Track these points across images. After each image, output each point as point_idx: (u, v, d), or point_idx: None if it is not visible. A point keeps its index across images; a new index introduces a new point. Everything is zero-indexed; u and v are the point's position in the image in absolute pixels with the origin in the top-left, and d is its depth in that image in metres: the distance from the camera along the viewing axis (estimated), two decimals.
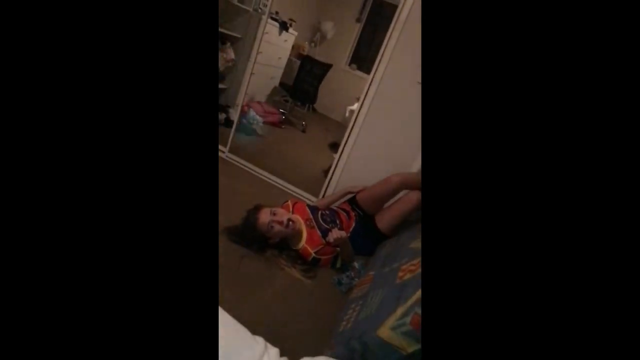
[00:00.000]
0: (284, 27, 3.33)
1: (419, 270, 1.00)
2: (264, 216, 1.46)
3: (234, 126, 2.38)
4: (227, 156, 2.35)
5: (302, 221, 1.56)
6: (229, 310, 0.92)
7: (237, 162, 2.33)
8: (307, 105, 4.24)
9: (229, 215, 1.57)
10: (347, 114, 3.31)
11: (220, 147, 2.36)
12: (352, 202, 1.74)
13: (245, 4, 2.91)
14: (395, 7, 1.76)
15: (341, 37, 4.38)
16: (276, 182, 2.24)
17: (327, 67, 3.62)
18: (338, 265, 1.54)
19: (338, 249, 1.51)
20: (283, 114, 3.65)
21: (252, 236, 1.45)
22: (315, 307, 1.28)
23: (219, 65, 2.86)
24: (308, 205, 1.69)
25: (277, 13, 3.23)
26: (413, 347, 0.83)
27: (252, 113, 2.99)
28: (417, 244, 1.23)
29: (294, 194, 2.19)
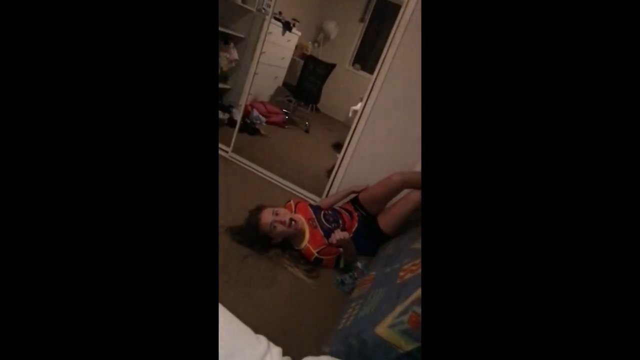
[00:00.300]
0: (287, 27, 3.33)
1: (420, 270, 1.00)
2: (266, 216, 1.47)
3: (237, 126, 2.39)
4: (230, 156, 2.36)
5: (304, 221, 1.56)
6: (232, 310, 0.93)
7: (241, 162, 2.34)
8: (310, 105, 4.24)
9: (232, 215, 1.58)
10: (350, 114, 3.30)
11: (223, 146, 2.37)
12: (355, 202, 1.74)
13: (249, 4, 2.92)
14: (399, 6, 1.75)
15: (345, 37, 4.38)
16: (279, 182, 2.24)
17: (330, 67, 3.62)
18: (341, 265, 1.54)
19: (341, 249, 1.51)
20: (286, 114, 3.66)
21: (254, 236, 1.46)
22: (318, 307, 1.29)
23: (223, 65, 2.87)
24: (310, 205, 1.69)
25: (280, 13, 3.24)
26: (410, 345, 0.83)
27: (255, 113, 2.99)
28: (419, 245, 1.23)
29: (297, 194, 2.19)
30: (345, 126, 2.86)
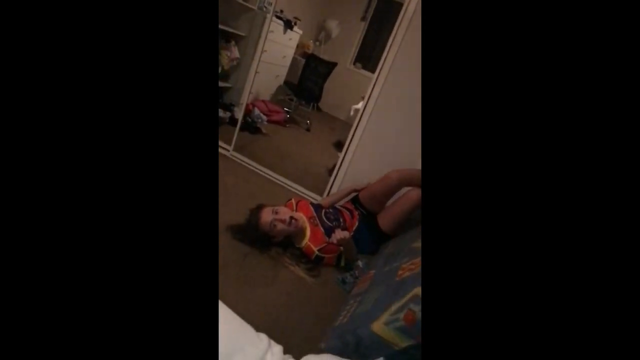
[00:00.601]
0: (288, 25, 3.33)
1: (418, 268, 1.00)
2: (266, 215, 1.47)
3: (239, 125, 2.39)
4: (231, 154, 2.36)
5: (305, 219, 1.56)
6: (233, 308, 0.93)
7: (242, 160, 2.34)
8: (311, 104, 4.24)
9: (233, 213, 1.58)
10: (351, 113, 3.30)
11: (224, 145, 2.37)
12: (355, 200, 1.74)
13: (250, 3, 2.91)
14: (400, 5, 1.75)
15: (346, 35, 4.37)
16: (281, 181, 2.25)
17: (332, 65, 3.61)
18: (342, 264, 1.54)
19: (342, 248, 1.51)
20: (288, 112, 3.66)
21: (255, 235, 1.46)
22: (319, 306, 1.29)
23: (224, 63, 2.87)
24: (312, 204, 1.69)
25: (281, 11, 3.23)
26: (405, 342, 0.84)
27: (256, 112, 2.99)
28: (418, 244, 1.23)
29: (298, 192, 2.19)
30: (346, 125, 2.86)
